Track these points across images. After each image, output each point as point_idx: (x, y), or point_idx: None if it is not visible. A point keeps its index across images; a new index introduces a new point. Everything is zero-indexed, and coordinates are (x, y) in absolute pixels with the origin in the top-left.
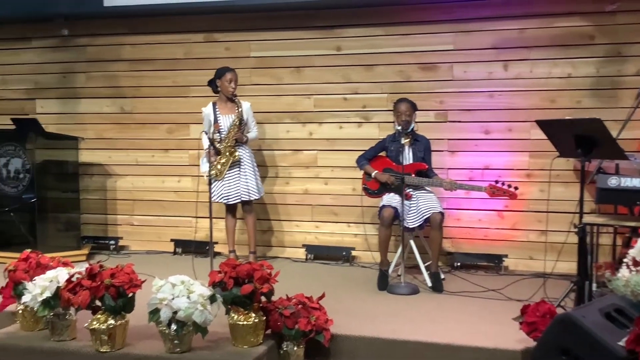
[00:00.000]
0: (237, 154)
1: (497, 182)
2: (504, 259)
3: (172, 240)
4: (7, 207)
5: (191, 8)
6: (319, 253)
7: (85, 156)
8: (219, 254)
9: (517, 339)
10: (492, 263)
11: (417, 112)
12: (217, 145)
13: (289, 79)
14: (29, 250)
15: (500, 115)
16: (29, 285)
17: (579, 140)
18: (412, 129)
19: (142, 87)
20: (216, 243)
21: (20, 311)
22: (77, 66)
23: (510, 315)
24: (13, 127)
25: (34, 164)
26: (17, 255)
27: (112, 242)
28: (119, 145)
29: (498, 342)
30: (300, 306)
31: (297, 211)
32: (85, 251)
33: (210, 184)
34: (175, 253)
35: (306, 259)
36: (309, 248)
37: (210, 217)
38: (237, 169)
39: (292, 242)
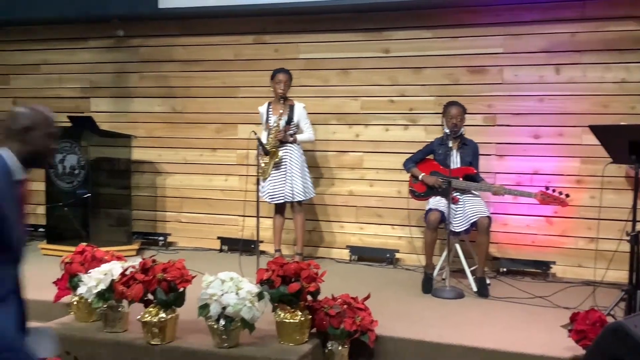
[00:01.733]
0: (279, 154)
1: (547, 188)
2: (551, 265)
3: (218, 237)
4: (62, 202)
5: (241, 10)
6: (363, 254)
7: (136, 154)
8: (264, 252)
9: (565, 347)
10: (540, 270)
11: (465, 116)
12: (265, 144)
13: (336, 80)
14: (84, 243)
15: (551, 119)
16: (84, 277)
17: (634, 146)
18: (461, 132)
19: (192, 87)
20: (261, 242)
21: (75, 302)
22: (130, 66)
23: (557, 323)
24: (69, 124)
25: (88, 161)
26: (70, 248)
27: (161, 238)
28: (168, 143)
29: (545, 350)
30: (345, 306)
31: (341, 212)
32: (136, 246)
33: (258, 182)
34: (221, 250)
35: (350, 260)
36: (353, 249)
37: (258, 216)
38: (284, 169)
39: (336, 243)
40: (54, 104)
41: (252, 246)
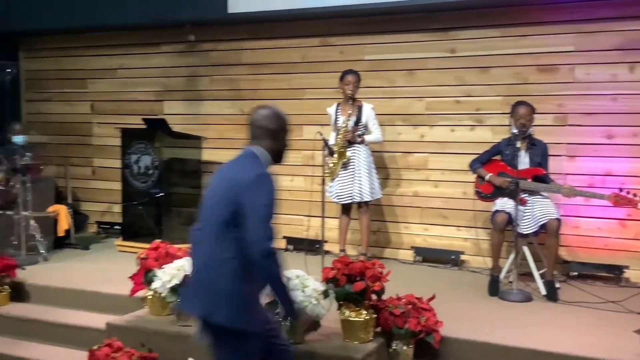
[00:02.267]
0: (347, 154)
1: (621, 190)
2: (624, 270)
3: (284, 237)
4: (137, 201)
5: (308, 13)
6: (428, 255)
7: (206, 155)
8: (328, 252)
9: (637, 353)
10: (612, 274)
11: (534, 116)
12: (331, 145)
13: (401, 81)
14: (158, 240)
15: (625, 119)
16: (158, 272)
17: None
18: (530, 133)
19: (260, 89)
20: (326, 242)
21: (149, 297)
22: (201, 70)
23: (629, 328)
24: (144, 126)
25: (161, 161)
26: (144, 245)
27: None
28: (237, 144)
29: (616, 355)
30: (410, 306)
31: (406, 213)
32: None
33: (323, 183)
34: (286, 249)
35: (414, 260)
36: (418, 250)
37: (323, 216)
38: (352, 169)
39: (401, 244)
40: (130, 107)
41: (317, 246)
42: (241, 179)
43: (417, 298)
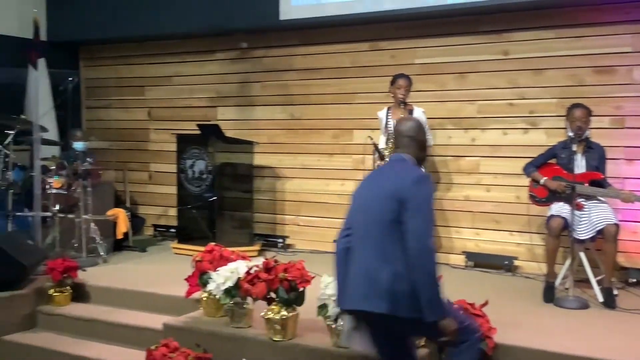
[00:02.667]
0: None
1: None
2: None
3: (334, 241)
4: (191, 205)
5: (359, 18)
6: (480, 261)
7: (258, 159)
8: None
9: None
10: None
11: (591, 118)
12: (382, 149)
13: (452, 85)
14: (212, 243)
15: None
16: (213, 275)
17: None
18: (586, 136)
19: (311, 94)
20: None
21: (204, 298)
22: (253, 76)
23: None
24: (198, 132)
25: (214, 166)
26: (198, 248)
27: (280, 240)
28: (288, 149)
29: None
30: (462, 312)
31: (457, 217)
32: (257, 247)
33: None
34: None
35: (465, 266)
36: (469, 255)
37: None
38: None
39: (452, 249)
40: (185, 113)
41: None
42: (404, 179)
43: (469, 304)
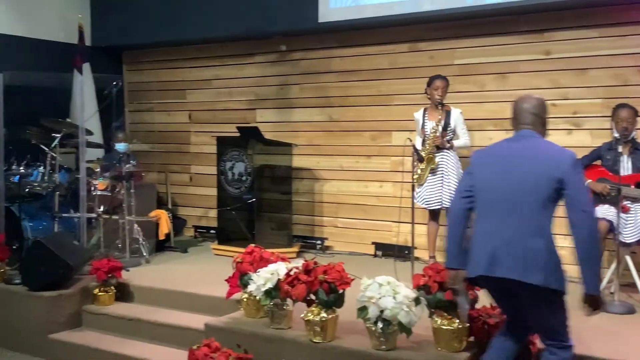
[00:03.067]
0: (436, 160)
1: None
2: None
3: (373, 243)
4: (231, 207)
5: (397, 20)
6: None
7: (296, 161)
8: (417, 259)
9: None
10: None
11: (638, 119)
12: (420, 150)
13: (492, 85)
14: (253, 244)
15: None
16: (253, 276)
17: None
18: (632, 137)
19: (349, 96)
20: (415, 248)
21: (244, 299)
22: (292, 78)
23: None
24: (238, 134)
25: (254, 168)
26: (237, 249)
27: (318, 242)
28: (326, 151)
29: None
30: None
31: None
32: (296, 249)
33: (413, 189)
34: (375, 255)
35: None
36: None
37: (413, 222)
38: (441, 174)
39: None
40: (224, 116)
41: (406, 252)
42: (562, 160)
43: None
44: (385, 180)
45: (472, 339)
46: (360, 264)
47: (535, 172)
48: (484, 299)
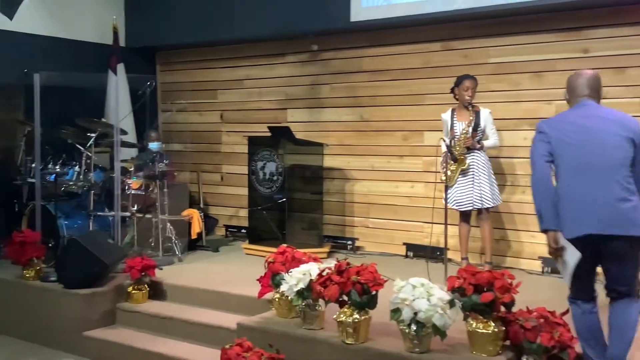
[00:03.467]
0: (466, 161)
1: None
2: None
3: (404, 243)
4: (261, 206)
5: (430, 18)
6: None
7: (327, 161)
8: (450, 260)
9: None
10: None
11: None
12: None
13: (528, 84)
14: (284, 244)
15: None
16: (285, 276)
17: None
18: None
19: (379, 96)
20: (448, 249)
21: (276, 299)
22: (323, 78)
23: None
24: (269, 134)
25: (285, 168)
26: (268, 249)
27: (349, 242)
28: (357, 151)
29: None
30: (542, 320)
31: (533, 221)
32: (326, 249)
33: (446, 190)
34: (406, 256)
35: (542, 271)
36: (547, 261)
37: (445, 223)
38: (471, 175)
39: (528, 253)
40: (255, 116)
41: (438, 253)
42: (628, 119)
43: (549, 312)
44: (416, 181)
45: (507, 342)
46: (392, 265)
47: (613, 132)
48: (520, 303)
